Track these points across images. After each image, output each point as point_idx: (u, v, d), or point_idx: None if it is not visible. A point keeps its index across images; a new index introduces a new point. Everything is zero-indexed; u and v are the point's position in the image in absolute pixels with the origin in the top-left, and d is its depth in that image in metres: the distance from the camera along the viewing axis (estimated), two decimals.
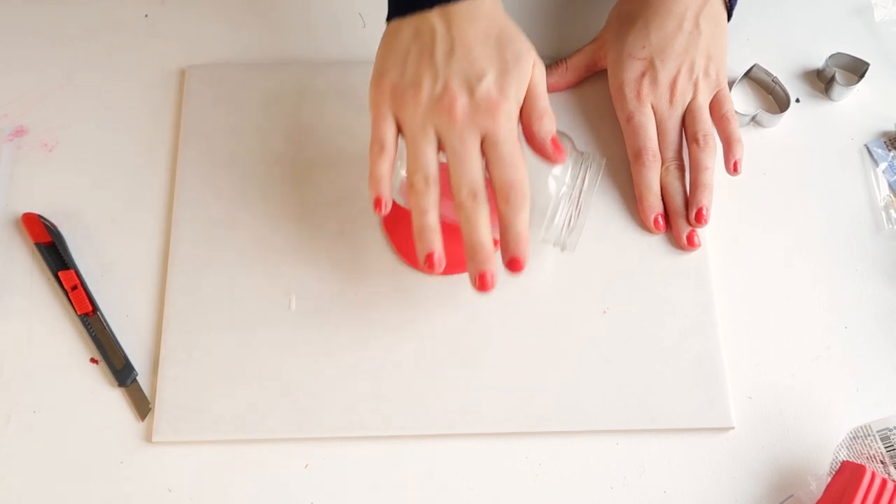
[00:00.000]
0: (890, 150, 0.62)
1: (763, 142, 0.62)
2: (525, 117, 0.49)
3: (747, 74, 0.64)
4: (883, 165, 0.61)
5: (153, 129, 0.62)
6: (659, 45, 0.58)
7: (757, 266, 0.58)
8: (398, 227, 0.58)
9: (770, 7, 0.67)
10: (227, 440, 0.53)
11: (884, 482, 0.48)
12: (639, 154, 0.58)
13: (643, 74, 0.59)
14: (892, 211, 0.60)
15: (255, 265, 0.57)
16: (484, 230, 0.47)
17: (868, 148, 0.62)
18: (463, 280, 0.57)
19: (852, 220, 0.60)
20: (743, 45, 0.66)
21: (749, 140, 0.62)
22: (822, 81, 0.64)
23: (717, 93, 0.60)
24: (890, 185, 0.61)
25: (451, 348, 0.55)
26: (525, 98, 0.49)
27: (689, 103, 0.59)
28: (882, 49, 0.66)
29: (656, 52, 0.58)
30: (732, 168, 0.58)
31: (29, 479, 0.52)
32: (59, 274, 0.57)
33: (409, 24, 0.49)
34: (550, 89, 0.57)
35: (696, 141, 0.58)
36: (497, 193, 0.47)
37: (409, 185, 0.48)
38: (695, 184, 0.58)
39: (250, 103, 0.62)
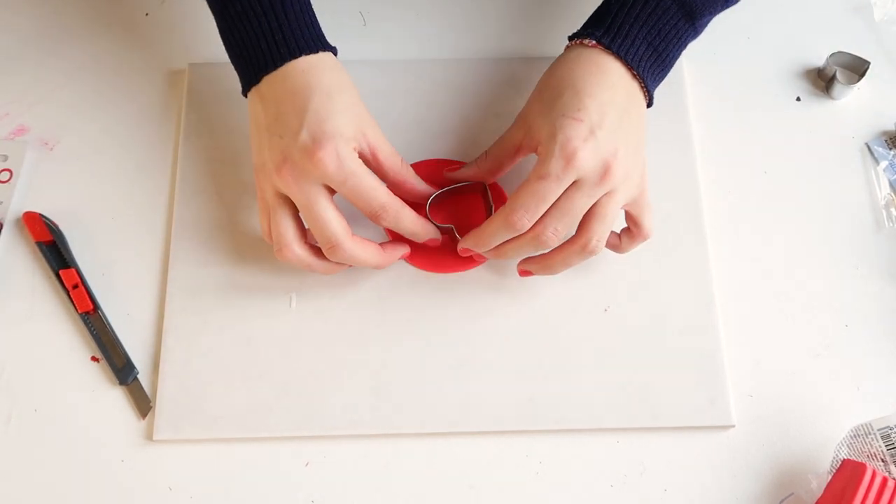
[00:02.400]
0: (891, 149, 0.62)
1: (763, 141, 0.62)
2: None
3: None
4: (883, 164, 0.61)
5: (154, 128, 0.63)
6: (597, 110, 0.49)
7: (757, 264, 0.58)
8: None
9: (770, 5, 0.67)
10: (228, 438, 0.53)
11: (884, 480, 0.48)
12: (512, 215, 0.49)
13: (585, 140, 0.48)
14: (892, 209, 0.60)
15: (255, 263, 0.57)
16: None
17: (869, 146, 0.62)
18: (464, 278, 0.57)
19: (853, 218, 0.60)
20: (743, 43, 0.66)
21: (750, 138, 0.62)
22: (822, 80, 0.64)
23: (639, 196, 0.52)
24: (890, 184, 0.61)
25: (451, 346, 0.55)
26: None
27: (602, 198, 0.50)
28: (883, 48, 0.65)
29: (595, 118, 0.49)
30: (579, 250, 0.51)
31: (30, 478, 0.52)
32: (60, 272, 0.57)
33: None
34: (470, 179, 0.56)
35: (584, 241, 0.51)
36: None
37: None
38: (548, 259, 0.53)
39: None
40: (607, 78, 0.51)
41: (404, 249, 0.56)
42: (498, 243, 0.52)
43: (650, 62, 0.52)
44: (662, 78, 0.54)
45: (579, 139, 0.49)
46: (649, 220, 0.53)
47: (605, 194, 0.50)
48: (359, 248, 0.52)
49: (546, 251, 0.52)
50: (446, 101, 0.63)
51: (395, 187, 0.54)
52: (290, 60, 0.51)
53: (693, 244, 0.58)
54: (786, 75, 0.64)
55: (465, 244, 0.54)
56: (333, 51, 0.54)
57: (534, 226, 0.50)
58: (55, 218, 0.59)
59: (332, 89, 0.51)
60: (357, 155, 0.51)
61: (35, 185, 0.61)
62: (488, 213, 0.57)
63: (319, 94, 0.50)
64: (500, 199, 0.58)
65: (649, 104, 0.54)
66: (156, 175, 0.61)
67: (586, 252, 0.51)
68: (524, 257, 0.54)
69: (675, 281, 0.57)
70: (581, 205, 0.50)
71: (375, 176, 0.51)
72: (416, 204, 0.56)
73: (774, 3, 0.67)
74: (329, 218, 0.50)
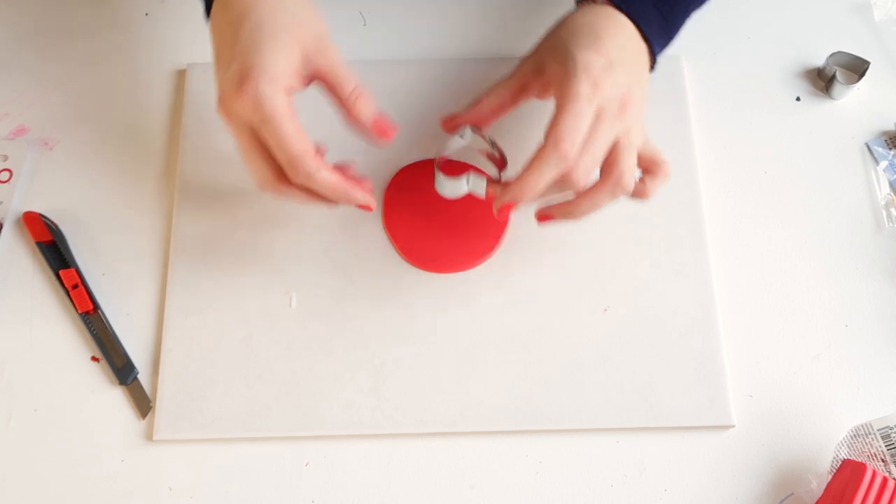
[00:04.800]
0: (890, 149, 0.62)
1: (763, 141, 0.62)
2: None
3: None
4: (883, 164, 0.61)
5: (154, 128, 0.63)
6: (615, 51, 0.49)
7: (757, 264, 0.58)
8: (399, 225, 0.58)
9: (770, 5, 0.67)
10: (228, 438, 0.53)
11: (884, 480, 0.48)
12: (562, 143, 0.46)
13: (605, 70, 0.48)
14: (892, 209, 0.60)
15: (255, 263, 0.57)
16: None
17: (869, 146, 0.62)
18: (464, 278, 0.57)
19: (853, 218, 0.60)
20: (744, 43, 0.66)
21: (750, 138, 0.62)
22: (822, 80, 0.64)
23: (645, 140, 0.52)
24: (890, 184, 0.61)
25: (451, 346, 0.55)
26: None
27: (622, 135, 0.49)
28: (883, 48, 0.65)
29: (614, 56, 0.49)
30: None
31: (30, 478, 0.53)
32: (60, 272, 0.57)
33: None
34: (471, 125, 0.54)
35: (616, 176, 0.49)
36: None
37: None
38: (575, 204, 0.50)
39: None
40: (622, 30, 0.51)
41: (367, 199, 0.51)
42: (547, 182, 0.48)
43: (658, 28, 0.53)
44: (666, 45, 0.55)
45: (599, 68, 0.48)
46: (663, 156, 0.52)
47: (624, 131, 0.49)
48: (286, 192, 0.49)
49: (625, 196, 0.50)
50: (446, 101, 0.63)
51: (349, 115, 0.51)
52: None
53: (693, 244, 0.58)
54: (786, 75, 0.64)
55: (509, 197, 0.49)
56: None
57: (585, 164, 0.47)
58: (55, 218, 0.59)
59: (264, 16, 0.46)
60: (283, 93, 0.46)
61: (35, 185, 0.61)
62: (503, 163, 0.55)
63: (249, 22, 0.46)
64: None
65: (651, 69, 0.54)
66: (156, 175, 0.61)
67: (619, 188, 0.49)
68: (592, 208, 0.50)
69: (675, 281, 0.57)
70: (607, 134, 0.48)
71: (297, 124, 0.46)
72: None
73: (774, 3, 0.67)
74: (255, 163, 0.48)
